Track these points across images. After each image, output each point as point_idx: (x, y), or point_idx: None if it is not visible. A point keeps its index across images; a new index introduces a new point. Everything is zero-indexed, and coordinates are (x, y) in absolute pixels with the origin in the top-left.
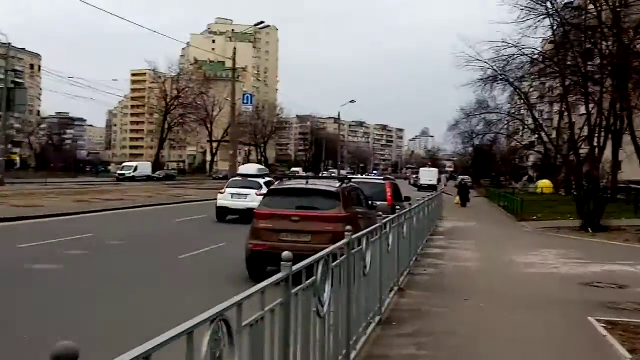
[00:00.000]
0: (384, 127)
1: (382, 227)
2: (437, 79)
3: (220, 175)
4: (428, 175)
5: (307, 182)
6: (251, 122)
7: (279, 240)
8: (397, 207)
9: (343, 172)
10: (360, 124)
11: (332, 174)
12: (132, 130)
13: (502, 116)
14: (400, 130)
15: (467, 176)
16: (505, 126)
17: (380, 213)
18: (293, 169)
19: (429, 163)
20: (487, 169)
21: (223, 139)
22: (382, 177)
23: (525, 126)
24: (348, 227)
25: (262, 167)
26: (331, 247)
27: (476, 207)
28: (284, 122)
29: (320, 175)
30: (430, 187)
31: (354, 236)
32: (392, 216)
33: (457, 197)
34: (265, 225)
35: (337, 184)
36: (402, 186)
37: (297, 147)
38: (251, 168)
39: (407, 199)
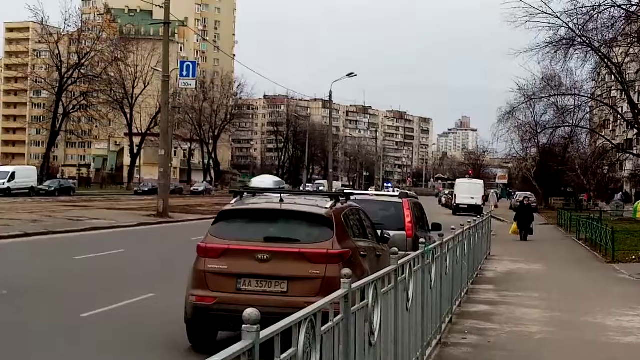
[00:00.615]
0: (400, 116)
1: (398, 271)
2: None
3: (146, 189)
4: (469, 190)
5: (281, 201)
6: (194, 105)
7: (237, 291)
8: (422, 240)
9: (338, 184)
10: (364, 109)
11: (321, 188)
12: (6, 117)
13: (582, 101)
14: (426, 120)
15: (529, 193)
16: (588, 116)
17: (395, 250)
18: (259, 178)
19: (471, 172)
20: (559, 182)
21: (150, 131)
22: (398, 193)
23: (619, 116)
24: (346, 271)
25: (280, 179)
26: (320, 303)
27: (543, 240)
28: (246, 106)
29: (302, 189)
30: (473, 209)
31: (355, 285)
32: (413, 254)
33: (514, 225)
34: (216, 267)
35: (329, 204)
36: (429, 207)
37: (265, 146)
38: (267, 181)
39: (437, 227)
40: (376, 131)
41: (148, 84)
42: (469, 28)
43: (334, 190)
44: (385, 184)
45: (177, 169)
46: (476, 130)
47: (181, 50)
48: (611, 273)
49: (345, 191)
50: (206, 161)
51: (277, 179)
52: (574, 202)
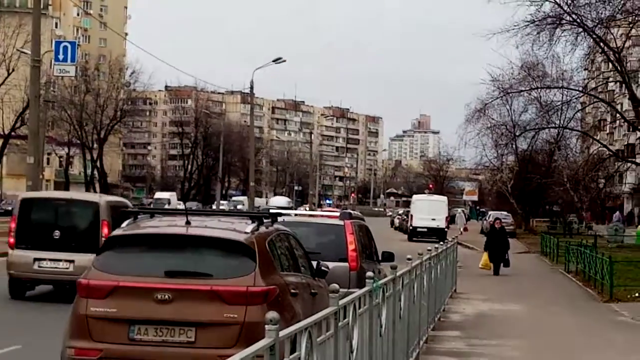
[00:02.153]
0: (341, 114)
1: (338, 314)
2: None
3: (9, 207)
4: (429, 209)
5: (188, 223)
6: (74, 99)
7: (130, 342)
8: (370, 274)
9: (261, 201)
10: (296, 105)
11: (239, 207)
12: None
13: (571, 95)
14: (375, 119)
15: (504, 213)
16: (579, 115)
17: (335, 286)
18: (160, 195)
19: (431, 186)
20: (542, 199)
21: (15, 132)
22: (338, 214)
23: (619, 115)
24: (272, 314)
25: (289, 199)
26: (238, 358)
27: (523, 273)
28: (142, 100)
29: (215, 208)
30: (434, 234)
31: (283, 333)
32: (358, 292)
33: (485, 256)
34: (101, 311)
35: (250, 227)
36: (379, 230)
37: (167, 152)
38: (281, 201)
39: (389, 257)
40: (310, 133)
41: (12, 70)
42: (430, 3)
43: (257, 208)
44: (325, 201)
45: (51, 181)
46: (438, 133)
47: (57, 27)
48: (609, 315)
49: (272, 211)
50: (89, 172)
51: (288, 199)
52: (562, 224)
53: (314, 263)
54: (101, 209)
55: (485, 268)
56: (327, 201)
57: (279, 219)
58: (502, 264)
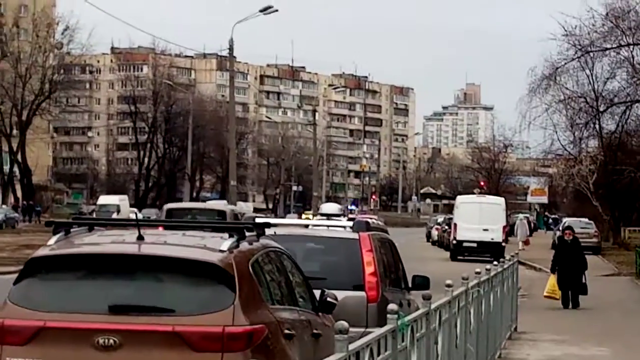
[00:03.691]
0: (357, 83)
1: None
2: None
3: None
4: (480, 216)
5: (140, 239)
6: None
7: None
8: (393, 307)
9: (245, 206)
10: (293, 72)
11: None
12: None
13: None
14: (403, 91)
15: (585, 220)
16: None
17: (344, 325)
18: (105, 200)
19: (483, 184)
20: (636, 200)
21: None
22: (351, 222)
23: None
24: None
25: (341, 206)
26: None
27: (610, 304)
28: (79, 67)
29: (181, 217)
30: (487, 250)
31: None
32: (377, 333)
33: (553, 279)
34: None
35: (226, 244)
36: (411, 246)
37: (115, 140)
38: (333, 207)
39: (422, 283)
40: (314, 111)
41: None
42: None
43: (241, 215)
44: (336, 207)
45: None
46: (491, 109)
47: None
48: None
49: (257, 220)
50: (7, 168)
51: (339, 205)
52: None
53: (317, 293)
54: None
55: (552, 296)
56: (352, 206)
57: (268, 231)
58: (577, 292)
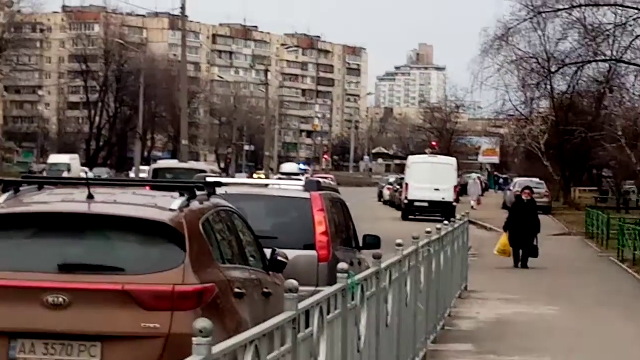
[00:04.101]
0: (310, 44)
1: (298, 322)
2: None
3: None
4: (432, 176)
5: (90, 198)
6: None
7: None
8: (344, 266)
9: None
10: (246, 31)
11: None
12: None
13: (629, 16)
14: (356, 51)
15: (536, 180)
16: (639, 43)
17: (294, 284)
18: (56, 159)
19: (434, 144)
20: (586, 161)
21: None
22: (304, 180)
23: None
24: (202, 324)
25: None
26: None
27: (560, 263)
28: (30, 25)
29: (131, 176)
30: (439, 209)
31: (218, 349)
32: (327, 292)
33: (504, 238)
34: None
35: (177, 203)
36: (363, 206)
37: (66, 99)
38: (292, 167)
39: (373, 242)
40: (267, 71)
41: None
42: None
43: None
44: (296, 167)
45: None
46: (444, 70)
47: None
48: None
49: (208, 179)
50: None
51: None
52: (615, 195)
53: (268, 252)
54: None
55: (502, 255)
56: (301, 166)
57: (219, 191)
58: (528, 254)
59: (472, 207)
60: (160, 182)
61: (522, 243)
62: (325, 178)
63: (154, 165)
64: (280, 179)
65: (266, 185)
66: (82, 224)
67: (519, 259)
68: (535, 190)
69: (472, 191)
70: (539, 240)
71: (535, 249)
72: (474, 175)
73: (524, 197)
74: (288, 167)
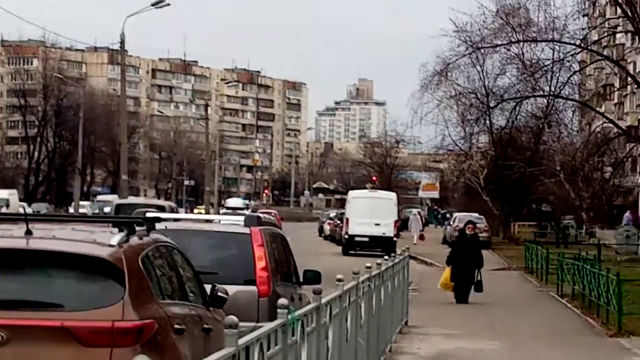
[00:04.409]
0: (250, 78)
1: (236, 358)
2: None
3: None
4: (372, 210)
5: (28, 233)
6: None
7: None
8: (283, 301)
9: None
10: (185, 66)
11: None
12: None
13: (566, 52)
14: (296, 86)
15: (475, 215)
16: (576, 77)
17: (234, 320)
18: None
19: (374, 179)
20: (525, 195)
21: None
22: (245, 215)
23: (631, 78)
24: None
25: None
26: None
27: (500, 297)
28: None
29: (71, 212)
30: (379, 244)
31: None
32: (267, 327)
33: (447, 272)
34: None
35: (116, 238)
36: (303, 241)
37: (4, 133)
38: (237, 202)
39: (313, 277)
40: (207, 106)
41: None
42: None
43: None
44: (241, 202)
45: None
46: (384, 105)
47: None
48: (618, 354)
49: (148, 215)
50: None
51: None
52: (554, 229)
53: (208, 287)
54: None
55: (445, 288)
56: (240, 203)
57: (159, 226)
58: (470, 288)
59: (414, 243)
60: (98, 217)
61: (466, 278)
62: (269, 213)
63: (117, 201)
64: (225, 213)
65: (206, 221)
66: (21, 259)
67: (462, 294)
68: (475, 223)
69: (413, 226)
70: (481, 275)
71: (479, 284)
72: (415, 210)
73: (467, 231)
74: (233, 202)
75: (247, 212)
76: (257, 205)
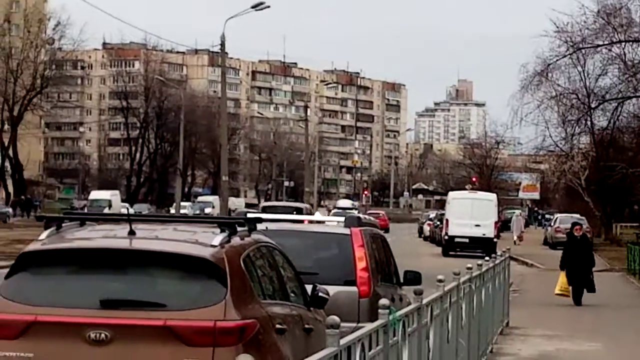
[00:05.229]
0: (349, 79)
1: (338, 358)
2: None
3: None
4: (472, 212)
5: (131, 233)
6: None
7: None
8: (385, 302)
9: (237, 202)
10: (285, 68)
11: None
12: None
13: None
14: (395, 88)
15: (576, 216)
16: None
17: (335, 320)
18: (97, 195)
19: (475, 180)
20: (627, 196)
21: None
22: (342, 219)
23: None
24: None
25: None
26: None
27: (603, 299)
28: (71, 62)
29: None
30: (478, 245)
31: None
32: (368, 328)
33: (563, 276)
34: (12, 357)
35: (218, 238)
36: (403, 242)
37: (106, 135)
38: (346, 203)
39: (413, 278)
40: (306, 107)
41: None
42: None
43: (234, 211)
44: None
45: None
46: (483, 105)
47: None
48: None
49: (250, 215)
50: None
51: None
52: None
53: (309, 288)
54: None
55: (564, 294)
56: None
57: (260, 226)
58: (584, 288)
59: (515, 243)
60: (199, 217)
61: (580, 280)
62: (376, 214)
63: (263, 204)
64: (336, 214)
65: (306, 222)
66: (124, 259)
67: (578, 296)
68: (582, 225)
69: (515, 227)
70: (593, 275)
71: (591, 284)
72: (517, 211)
73: (575, 233)
74: (343, 202)
75: (355, 212)
76: (363, 206)
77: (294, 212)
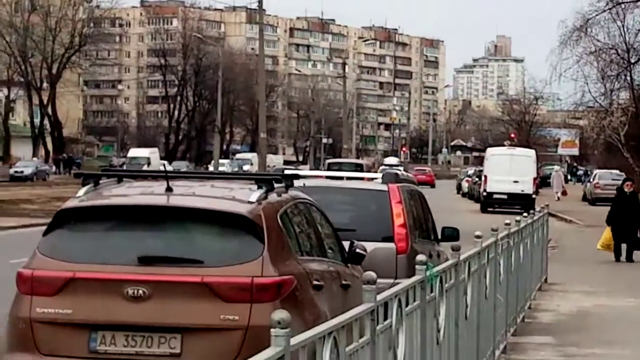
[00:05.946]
0: (387, 36)
1: (376, 314)
2: None
3: None
4: (511, 168)
5: (169, 190)
6: (14, 20)
7: (92, 355)
8: (422, 258)
9: (275, 159)
10: (322, 25)
11: (246, 167)
12: None
13: None
14: (433, 44)
15: (615, 172)
16: None
17: (372, 276)
18: (136, 152)
19: (513, 136)
20: None
21: None
22: (383, 174)
23: None
24: (280, 315)
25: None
26: None
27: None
28: (109, 20)
29: (211, 169)
30: (517, 201)
31: (296, 340)
32: (406, 284)
33: (608, 231)
34: (52, 313)
35: (255, 195)
36: (441, 198)
37: (145, 93)
38: (393, 160)
39: (451, 234)
40: (344, 64)
41: None
42: None
43: (271, 168)
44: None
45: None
46: (522, 61)
47: None
48: None
49: (286, 172)
50: (37, 121)
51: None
52: None
53: (346, 244)
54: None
55: (606, 249)
56: (396, 158)
57: (297, 183)
58: (633, 247)
59: (556, 199)
60: (237, 174)
61: (626, 236)
62: (423, 170)
63: (328, 160)
64: (383, 170)
65: (344, 179)
66: (161, 216)
67: (620, 253)
68: (614, 181)
69: (555, 183)
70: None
71: (638, 241)
72: (557, 167)
73: (625, 189)
74: (389, 160)
75: (401, 168)
76: (408, 163)
77: (356, 168)
